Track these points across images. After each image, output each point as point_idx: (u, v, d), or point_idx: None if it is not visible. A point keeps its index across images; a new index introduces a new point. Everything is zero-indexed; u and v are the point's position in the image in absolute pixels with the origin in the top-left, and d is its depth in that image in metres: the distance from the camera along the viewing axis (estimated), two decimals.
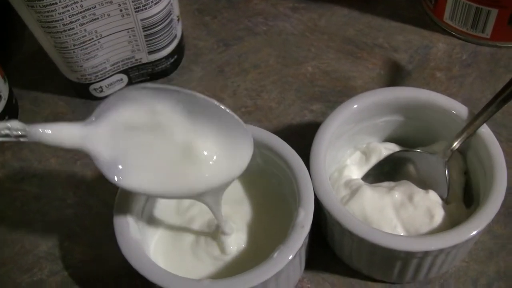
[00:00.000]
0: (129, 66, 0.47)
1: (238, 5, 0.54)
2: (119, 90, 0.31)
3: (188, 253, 0.38)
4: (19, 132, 0.28)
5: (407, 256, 0.35)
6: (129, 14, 0.43)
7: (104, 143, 0.30)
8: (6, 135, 0.28)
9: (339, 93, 0.47)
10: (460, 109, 0.39)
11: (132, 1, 0.42)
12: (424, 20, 0.52)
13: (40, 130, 0.28)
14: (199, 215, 0.38)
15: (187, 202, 0.39)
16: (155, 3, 0.43)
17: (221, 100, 0.47)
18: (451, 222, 0.37)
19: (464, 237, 0.34)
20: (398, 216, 0.37)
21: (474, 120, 0.38)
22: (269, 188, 0.39)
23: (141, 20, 0.44)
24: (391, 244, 0.34)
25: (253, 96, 0.47)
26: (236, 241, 0.37)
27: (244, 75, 0.48)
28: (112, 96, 0.30)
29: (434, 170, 0.40)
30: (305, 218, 0.34)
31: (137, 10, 0.43)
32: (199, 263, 0.37)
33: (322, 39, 0.50)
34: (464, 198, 0.40)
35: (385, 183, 0.40)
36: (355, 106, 0.39)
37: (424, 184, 0.39)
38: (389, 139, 0.42)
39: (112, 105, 0.30)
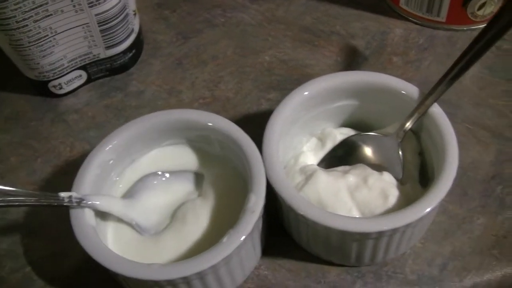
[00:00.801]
0: (87, 62, 0.47)
1: None
2: (144, 177, 0.39)
3: (145, 238, 0.38)
4: (78, 200, 0.35)
5: (362, 238, 0.35)
6: (82, 10, 0.43)
7: (140, 217, 0.38)
8: (69, 201, 0.35)
9: (296, 81, 0.47)
10: (411, 90, 0.39)
11: None
12: (381, 6, 0.52)
13: (93, 200, 0.36)
14: None
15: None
16: None
17: (179, 93, 0.48)
18: (406, 202, 0.37)
19: (416, 216, 0.34)
20: (353, 199, 0.37)
21: (425, 99, 0.38)
22: (227, 175, 0.39)
23: (96, 15, 0.44)
24: (344, 226, 0.34)
25: (210, 87, 0.47)
26: (195, 228, 0.38)
27: (202, 66, 0.49)
28: (140, 181, 0.39)
29: (388, 152, 0.40)
30: (256, 203, 0.35)
31: (91, 5, 0.43)
32: (157, 248, 0.37)
33: (280, 29, 0.50)
34: (421, 179, 0.40)
35: (340, 167, 0.40)
36: (306, 93, 0.39)
37: (379, 166, 0.40)
38: (346, 124, 0.43)
39: (140, 188, 0.39)
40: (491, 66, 0.47)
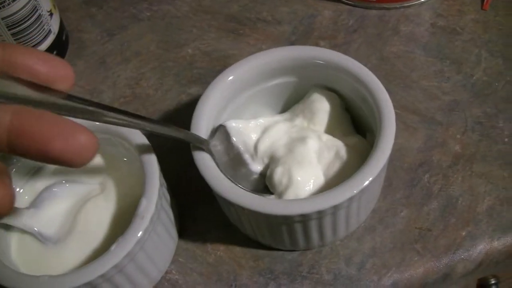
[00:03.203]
0: None
1: None
2: (49, 186, 0.38)
3: (49, 247, 0.37)
4: None
5: (287, 221, 0.33)
6: None
7: (42, 226, 0.36)
8: None
9: (218, 73, 0.44)
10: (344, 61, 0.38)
11: None
12: None
13: None
14: None
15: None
16: (13, 0, 0.42)
17: (100, 93, 0.46)
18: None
19: (338, 199, 0.32)
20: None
21: None
22: (131, 178, 0.38)
23: (2, 19, 0.42)
24: (267, 209, 0.32)
25: (132, 85, 0.45)
26: (97, 233, 0.36)
27: (125, 64, 0.47)
28: (45, 190, 0.37)
29: None
30: (146, 208, 0.33)
31: None
32: (60, 256, 0.36)
33: (205, 19, 0.48)
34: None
35: None
36: (231, 77, 0.38)
37: None
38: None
39: (45, 198, 0.37)
40: (425, 45, 0.44)
